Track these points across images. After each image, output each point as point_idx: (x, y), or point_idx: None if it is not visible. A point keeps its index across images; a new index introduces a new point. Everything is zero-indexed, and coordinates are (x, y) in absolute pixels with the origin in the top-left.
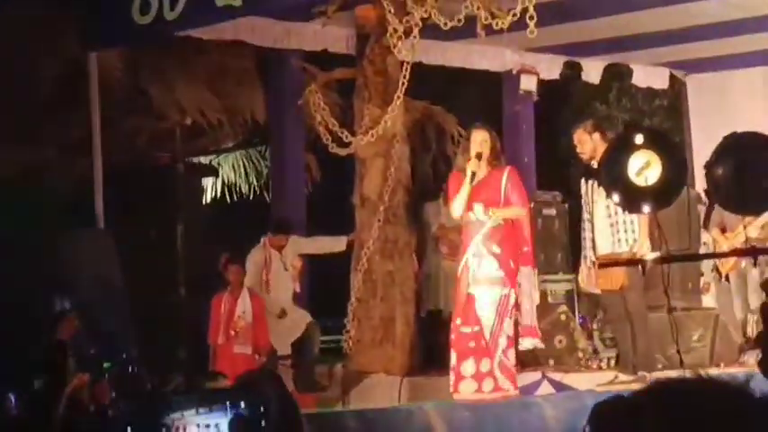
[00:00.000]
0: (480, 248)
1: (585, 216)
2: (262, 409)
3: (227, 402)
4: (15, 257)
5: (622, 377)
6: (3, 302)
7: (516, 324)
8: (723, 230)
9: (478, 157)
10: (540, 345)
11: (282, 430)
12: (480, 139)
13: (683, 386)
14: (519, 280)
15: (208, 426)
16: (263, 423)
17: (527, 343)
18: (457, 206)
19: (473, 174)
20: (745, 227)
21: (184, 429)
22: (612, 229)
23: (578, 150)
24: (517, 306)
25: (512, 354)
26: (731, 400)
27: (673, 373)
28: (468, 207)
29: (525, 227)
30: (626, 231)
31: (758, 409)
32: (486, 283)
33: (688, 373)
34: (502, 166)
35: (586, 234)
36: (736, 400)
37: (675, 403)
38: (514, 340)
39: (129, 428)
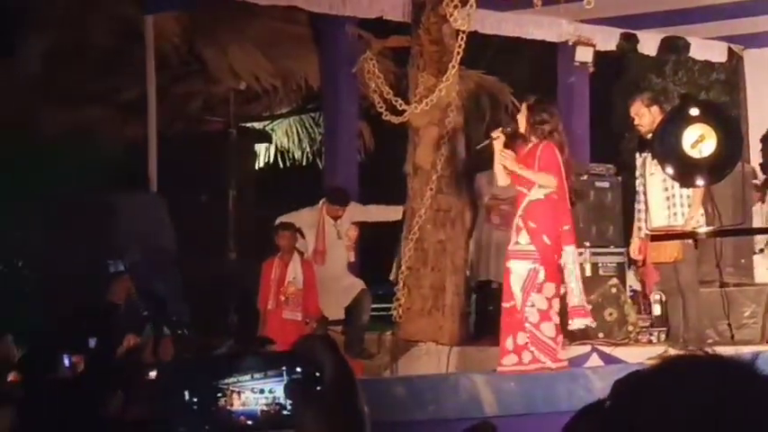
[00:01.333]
0: (519, 222)
1: (639, 189)
2: (318, 374)
3: (284, 367)
4: (69, 218)
5: (672, 351)
6: (56, 263)
7: (563, 303)
8: None
9: (508, 130)
10: (592, 324)
11: (338, 396)
12: (519, 111)
13: (692, 364)
14: (563, 259)
15: (262, 391)
16: (318, 388)
17: (577, 323)
18: (498, 177)
19: (494, 138)
20: None
21: (239, 394)
22: (668, 202)
23: (636, 123)
24: (560, 282)
25: (547, 327)
26: (738, 379)
27: (723, 350)
28: (513, 180)
29: (564, 204)
30: (682, 205)
31: (764, 389)
32: (517, 258)
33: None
34: (542, 139)
35: (640, 207)
36: (742, 379)
37: (682, 382)
38: (550, 315)
39: (186, 393)
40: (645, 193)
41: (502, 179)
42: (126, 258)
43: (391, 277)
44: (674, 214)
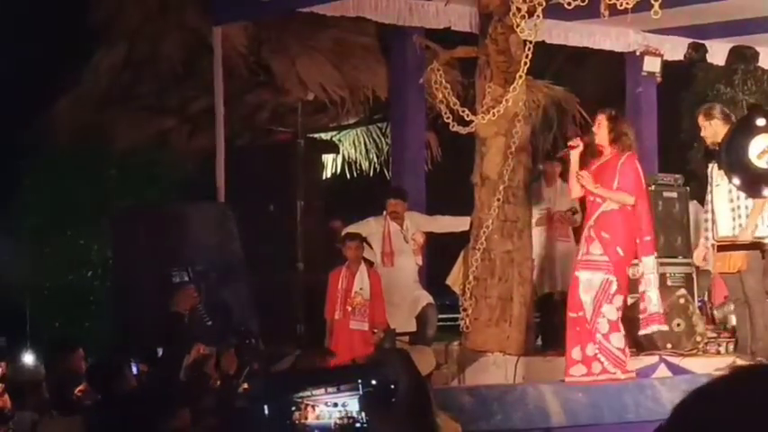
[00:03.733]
0: (591, 232)
1: (707, 198)
2: (392, 386)
3: (359, 380)
4: (138, 229)
5: (740, 362)
6: (125, 274)
7: (633, 310)
8: None
9: (592, 137)
10: (665, 328)
11: (412, 407)
12: (596, 122)
13: (757, 376)
14: (642, 270)
15: (336, 404)
16: (393, 400)
17: (653, 328)
18: (572, 188)
19: (568, 148)
20: None
21: (313, 408)
22: (734, 213)
23: (702, 134)
24: (627, 293)
25: (616, 338)
26: None
27: None
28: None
29: (644, 216)
30: (747, 217)
31: None
32: (589, 268)
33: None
34: (624, 150)
35: (708, 216)
36: None
37: (747, 396)
38: (619, 326)
39: (265, 407)
40: (712, 203)
41: (576, 191)
42: (191, 268)
43: (448, 281)
44: (740, 225)
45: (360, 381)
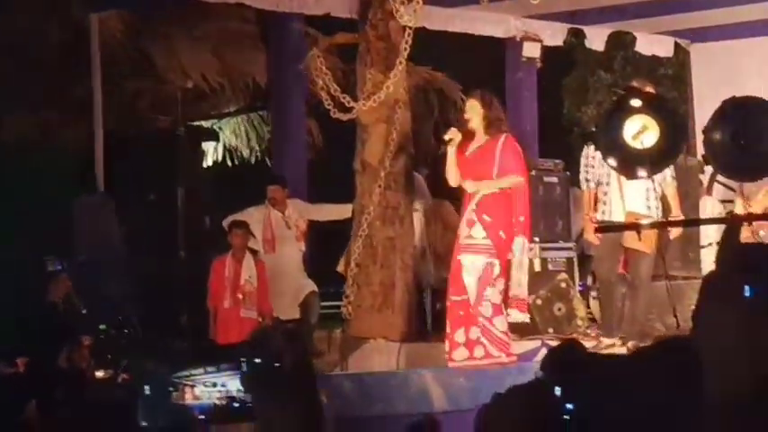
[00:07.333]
0: (472, 216)
1: (595, 178)
2: (276, 364)
3: (241, 358)
4: (16, 218)
5: (606, 341)
6: (6, 264)
7: (506, 293)
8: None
9: (464, 123)
10: (526, 320)
11: (298, 384)
12: (467, 107)
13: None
14: (513, 249)
15: (215, 384)
16: (276, 376)
17: (516, 316)
18: (450, 178)
19: (449, 140)
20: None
21: (192, 389)
22: (648, 193)
23: None
24: (507, 276)
25: (499, 322)
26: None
27: None
28: (464, 177)
29: (522, 196)
30: (656, 199)
31: None
32: (472, 251)
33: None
34: (499, 134)
35: (596, 195)
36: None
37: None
38: (502, 309)
39: (147, 388)
40: (618, 182)
41: (454, 181)
42: (67, 257)
43: (339, 269)
44: (649, 207)
45: (242, 360)
